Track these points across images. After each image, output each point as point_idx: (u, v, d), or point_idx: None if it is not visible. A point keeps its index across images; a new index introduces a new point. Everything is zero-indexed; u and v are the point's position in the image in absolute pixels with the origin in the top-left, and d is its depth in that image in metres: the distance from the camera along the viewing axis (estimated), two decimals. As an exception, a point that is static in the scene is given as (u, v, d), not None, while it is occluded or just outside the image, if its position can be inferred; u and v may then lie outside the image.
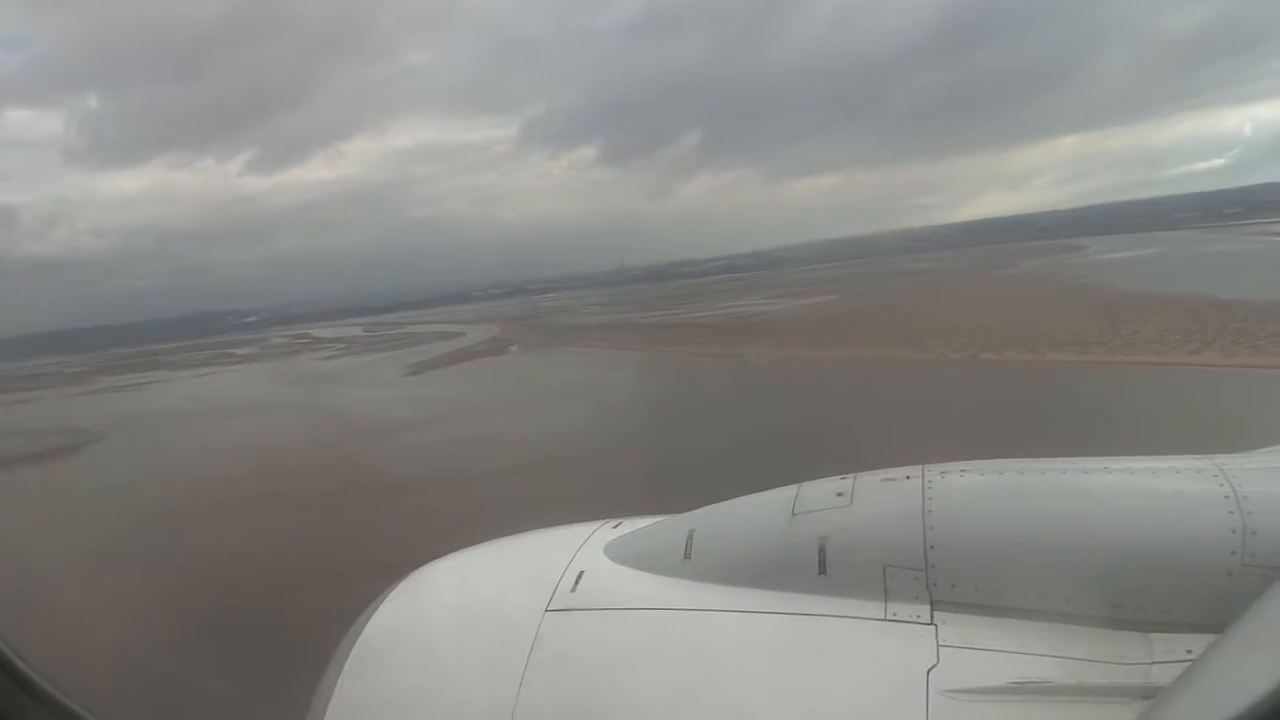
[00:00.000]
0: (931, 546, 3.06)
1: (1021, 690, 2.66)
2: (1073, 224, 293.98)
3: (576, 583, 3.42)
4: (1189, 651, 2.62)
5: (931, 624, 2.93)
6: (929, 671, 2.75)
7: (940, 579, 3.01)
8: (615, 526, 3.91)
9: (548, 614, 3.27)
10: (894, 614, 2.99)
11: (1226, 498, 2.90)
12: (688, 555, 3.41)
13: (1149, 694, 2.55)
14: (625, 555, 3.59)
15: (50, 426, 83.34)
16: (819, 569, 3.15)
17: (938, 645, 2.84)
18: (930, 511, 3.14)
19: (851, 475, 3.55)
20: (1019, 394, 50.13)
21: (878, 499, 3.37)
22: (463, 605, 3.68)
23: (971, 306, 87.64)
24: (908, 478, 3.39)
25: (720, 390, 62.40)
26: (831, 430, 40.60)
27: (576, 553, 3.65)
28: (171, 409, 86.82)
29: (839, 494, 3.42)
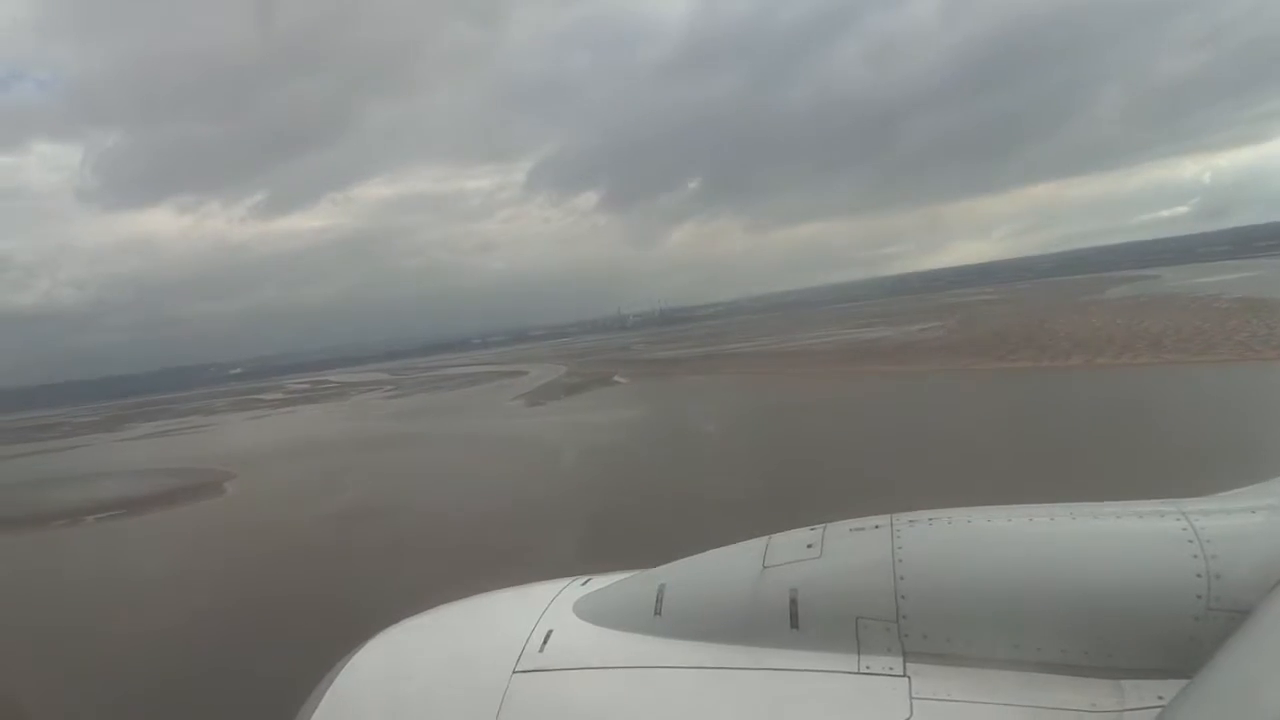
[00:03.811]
0: (903, 597, 2.95)
1: None
2: (1066, 266, 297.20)
3: (545, 642, 3.28)
4: (1160, 697, 2.59)
5: (905, 676, 2.83)
6: None
7: (912, 630, 2.90)
8: (584, 583, 3.72)
9: (515, 675, 3.13)
10: (867, 666, 2.88)
11: (1190, 542, 2.86)
12: (658, 611, 3.27)
13: None
14: (594, 613, 3.42)
15: (141, 468, 73.15)
16: (790, 622, 3.04)
17: (911, 698, 2.75)
18: (900, 561, 3.04)
19: (821, 525, 3.41)
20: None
21: (847, 549, 3.23)
22: (429, 666, 3.49)
23: (1076, 323, 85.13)
24: (876, 527, 3.27)
25: (1019, 401, 56.54)
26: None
27: (545, 611, 3.49)
28: (260, 447, 76.54)
29: (809, 545, 3.29)
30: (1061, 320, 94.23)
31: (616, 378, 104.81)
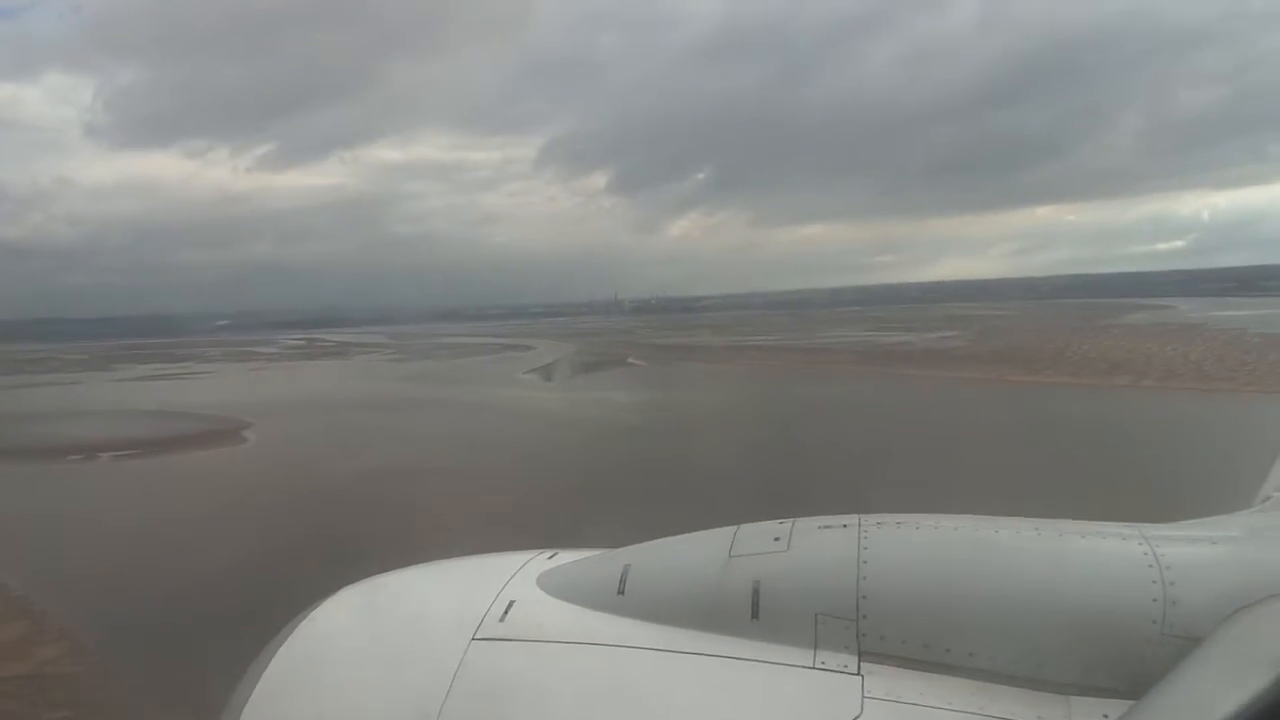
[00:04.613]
0: (864, 597, 3.00)
1: None
2: (1067, 289, 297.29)
3: (506, 612, 3.28)
4: (1105, 716, 2.63)
5: (858, 675, 2.87)
6: None
7: (870, 630, 2.96)
8: (550, 557, 3.73)
9: (474, 642, 3.14)
10: (822, 662, 2.92)
11: (1151, 567, 2.91)
12: (621, 591, 3.29)
13: None
14: (558, 587, 3.43)
15: (147, 410, 70.49)
16: (751, 613, 3.08)
17: (863, 696, 2.79)
18: (865, 562, 3.08)
19: (790, 520, 3.43)
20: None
21: (814, 546, 3.27)
22: (387, 627, 3.47)
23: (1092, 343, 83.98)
24: (845, 526, 3.31)
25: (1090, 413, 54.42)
26: None
27: (508, 582, 3.49)
28: (271, 399, 73.59)
29: (776, 538, 3.33)
30: (1088, 341, 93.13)
31: (631, 359, 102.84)
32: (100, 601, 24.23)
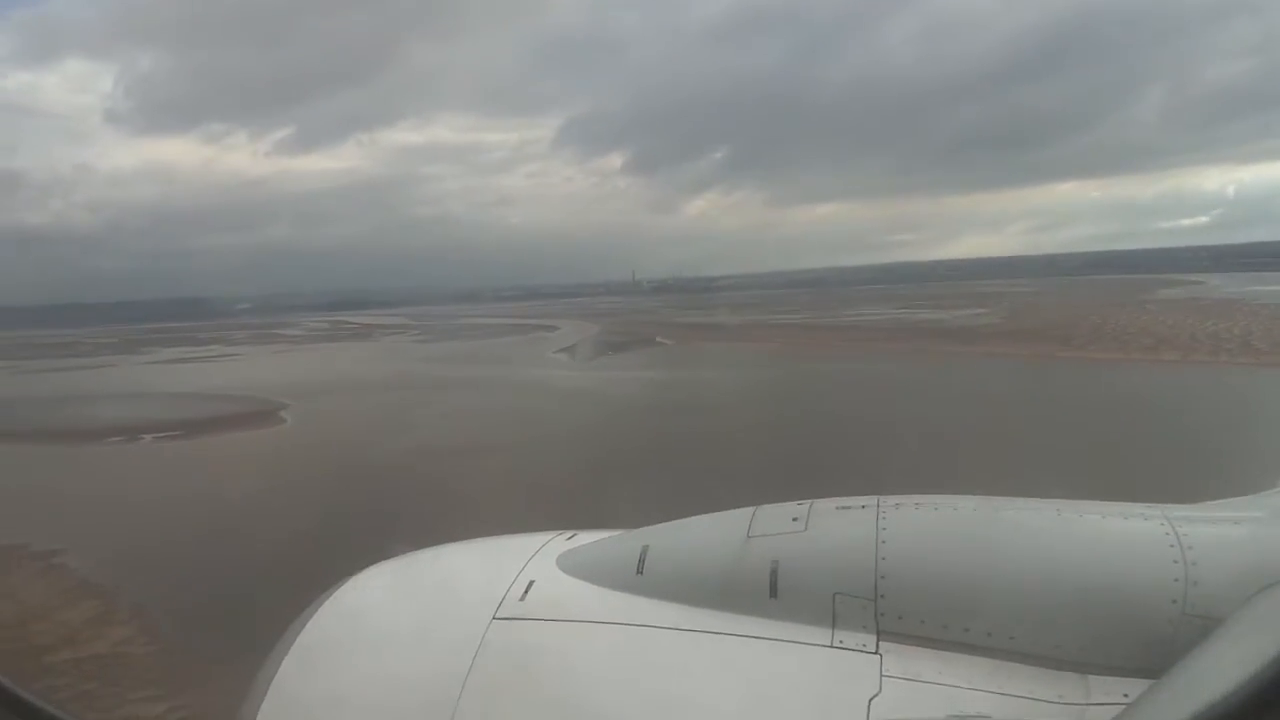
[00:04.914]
0: (882, 577, 3.04)
1: None
2: (1097, 265, 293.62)
3: (526, 592, 3.33)
4: (1125, 695, 2.65)
5: (877, 654, 2.92)
6: (870, 701, 2.74)
7: (888, 609, 2.99)
8: (569, 538, 3.79)
9: (495, 621, 3.19)
10: (840, 641, 2.97)
11: (1172, 547, 2.93)
12: (640, 571, 3.34)
13: None
14: (577, 567, 3.47)
15: (180, 393, 70.44)
16: (770, 592, 3.11)
17: (881, 675, 2.83)
18: (883, 542, 3.12)
19: (808, 501, 3.48)
20: None
21: (832, 526, 3.31)
22: (408, 608, 3.54)
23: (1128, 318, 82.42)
24: (863, 507, 3.34)
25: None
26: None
27: (528, 562, 3.54)
28: (303, 380, 72.85)
29: (795, 519, 3.36)
30: (1126, 316, 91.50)
31: (659, 339, 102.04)
32: (168, 581, 23.90)
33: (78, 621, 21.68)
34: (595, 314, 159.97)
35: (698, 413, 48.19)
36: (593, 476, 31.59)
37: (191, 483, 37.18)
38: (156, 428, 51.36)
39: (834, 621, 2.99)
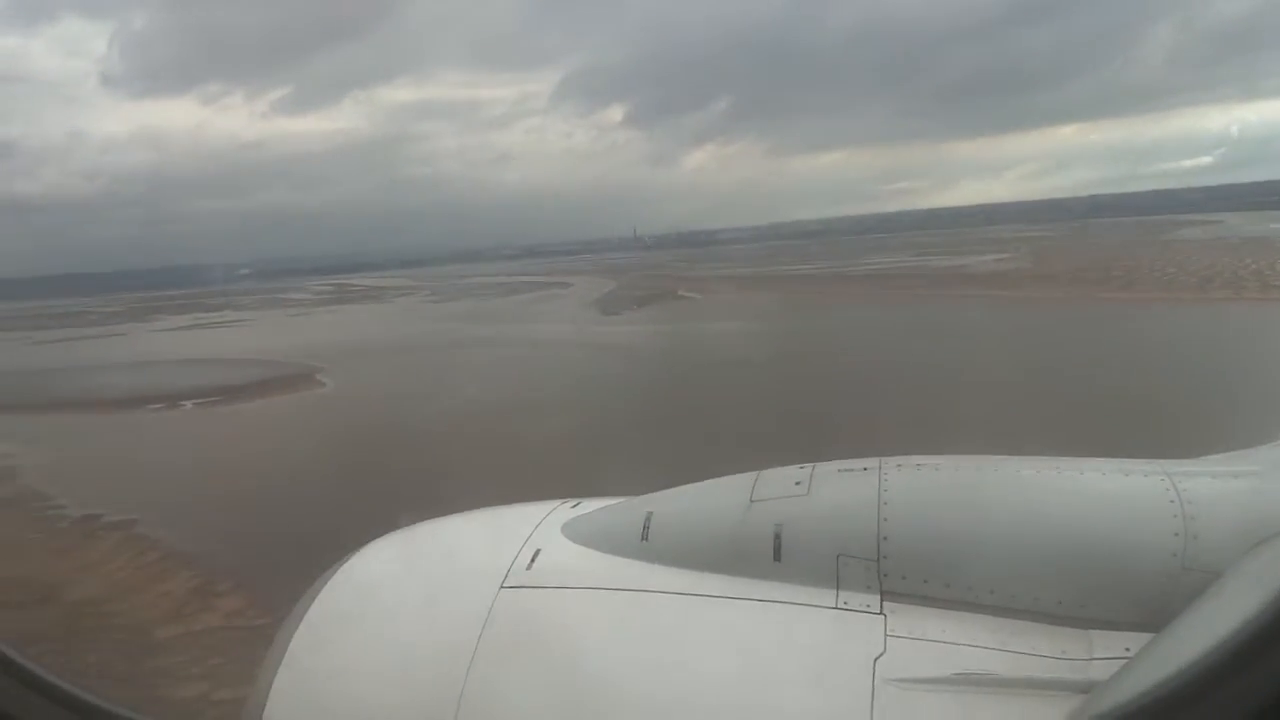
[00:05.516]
0: (884, 538, 3.07)
1: (965, 681, 2.72)
2: (1106, 208, 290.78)
3: (532, 561, 3.37)
4: (1127, 649, 2.69)
5: (881, 614, 2.95)
6: (876, 660, 2.78)
7: (891, 570, 3.03)
8: (574, 506, 3.83)
9: (502, 590, 3.23)
10: (845, 602, 3.01)
11: (1171, 502, 2.95)
12: (645, 537, 3.38)
13: (1087, 688, 2.65)
14: (582, 535, 3.51)
15: (205, 358, 69.07)
16: (774, 556, 3.15)
17: (886, 635, 2.87)
18: (885, 503, 3.16)
19: (810, 464, 3.52)
20: None
21: (834, 489, 3.35)
22: (416, 579, 3.60)
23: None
24: (864, 469, 3.39)
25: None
26: None
27: (534, 531, 3.58)
28: (328, 344, 71.14)
29: (797, 483, 3.40)
30: (1156, 257, 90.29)
31: (681, 292, 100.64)
32: (260, 552, 22.90)
33: (180, 593, 20.73)
34: (604, 270, 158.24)
35: (780, 362, 47.25)
36: (704, 425, 30.63)
37: (250, 447, 36.21)
38: (195, 394, 50.14)
39: (838, 583, 3.01)
